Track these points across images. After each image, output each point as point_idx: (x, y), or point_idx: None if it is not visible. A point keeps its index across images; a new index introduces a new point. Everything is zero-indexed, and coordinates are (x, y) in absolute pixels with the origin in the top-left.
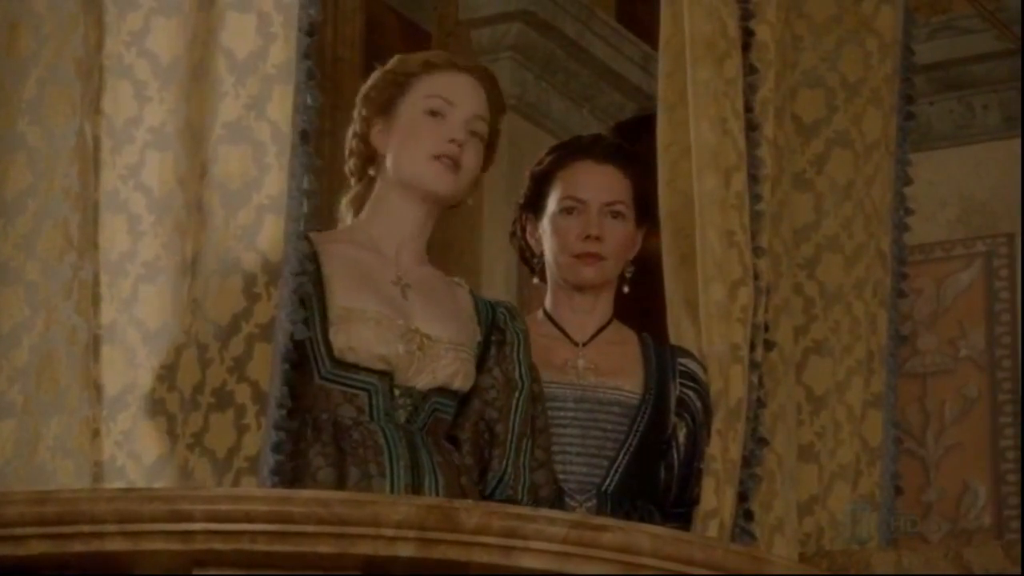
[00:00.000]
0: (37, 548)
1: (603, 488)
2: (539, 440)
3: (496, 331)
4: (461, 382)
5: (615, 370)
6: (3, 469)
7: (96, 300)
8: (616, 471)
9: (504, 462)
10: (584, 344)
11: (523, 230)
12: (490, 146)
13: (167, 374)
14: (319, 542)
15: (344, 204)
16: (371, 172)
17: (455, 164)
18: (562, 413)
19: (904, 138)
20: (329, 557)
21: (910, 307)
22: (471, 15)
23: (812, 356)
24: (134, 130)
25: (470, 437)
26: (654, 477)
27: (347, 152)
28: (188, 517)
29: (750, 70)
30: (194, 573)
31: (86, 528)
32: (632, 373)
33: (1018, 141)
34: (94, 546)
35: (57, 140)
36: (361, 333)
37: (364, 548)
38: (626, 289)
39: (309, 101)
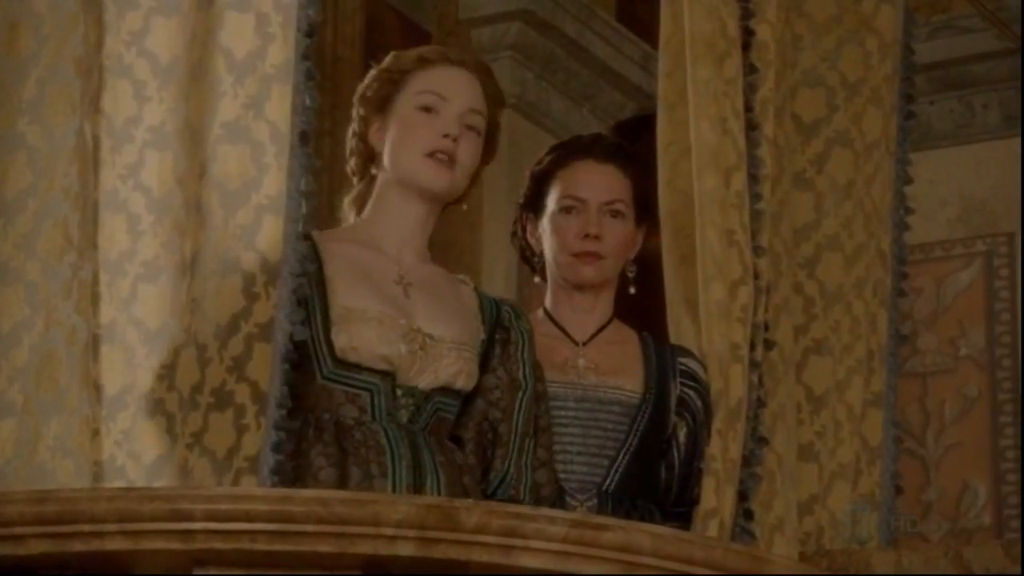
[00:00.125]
0: (37, 547)
1: (604, 487)
2: (541, 439)
3: (500, 330)
4: (464, 382)
5: (615, 369)
6: (3, 468)
7: (95, 300)
8: (617, 470)
9: (507, 462)
10: (584, 343)
11: (523, 229)
12: (489, 139)
13: (166, 374)
14: (319, 541)
15: (346, 204)
16: (373, 171)
17: (450, 160)
18: (563, 412)
19: (904, 137)
20: (329, 556)
21: (910, 306)
22: (471, 14)
23: (812, 355)
24: (133, 130)
25: (474, 437)
26: (655, 476)
27: (348, 152)
28: (188, 516)
29: (750, 69)
30: (194, 572)
31: (86, 527)
32: (632, 372)
33: (1018, 140)
34: (94, 545)
35: (57, 140)
36: (363, 333)
37: (364, 547)
38: (632, 290)
39: (308, 102)
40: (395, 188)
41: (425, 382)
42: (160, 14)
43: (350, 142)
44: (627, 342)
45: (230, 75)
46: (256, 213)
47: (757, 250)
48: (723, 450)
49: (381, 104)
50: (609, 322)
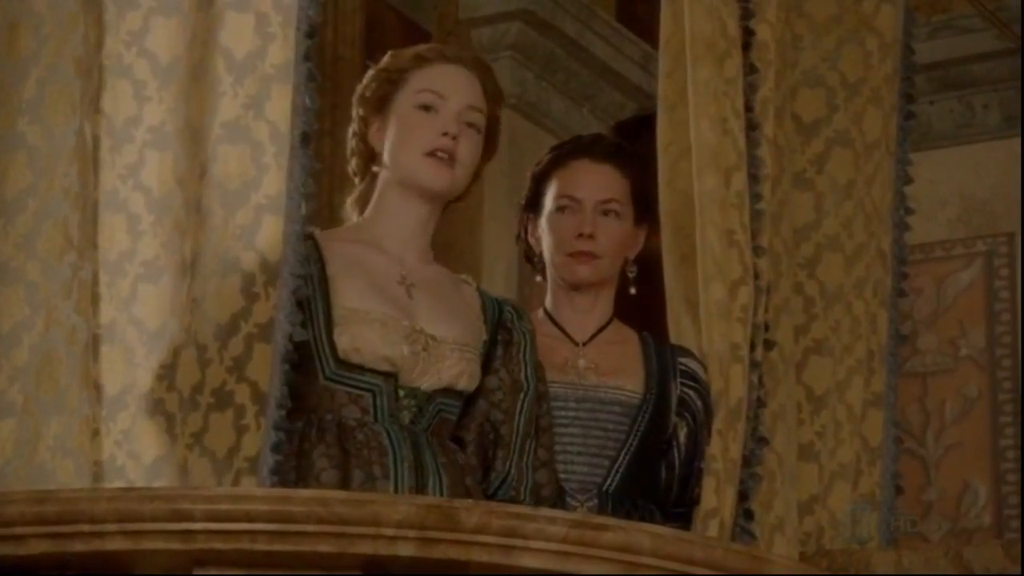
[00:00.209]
0: (37, 547)
1: (604, 488)
2: (542, 439)
3: (503, 330)
4: (466, 383)
5: (616, 370)
6: (3, 469)
7: (95, 300)
8: (617, 471)
9: (507, 463)
10: (584, 344)
11: (526, 231)
12: (490, 136)
13: (166, 374)
14: (319, 541)
15: (348, 204)
16: (374, 171)
17: (450, 158)
18: (563, 413)
19: (904, 137)
20: (329, 556)
21: (910, 306)
22: (471, 14)
23: (812, 355)
24: (133, 130)
25: (475, 438)
26: (655, 477)
27: (348, 152)
28: (188, 516)
29: (750, 69)
30: (194, 573)
31: (86, 527)
32: (633, 373)
33: (1018, 140)
34: (94, 545)
35: (57, 140)
36: (366, 334)
37: (364, 548)
38: (633, 290)
39: (309, 103)
40: (396, 188)
41: (427, 383)
42: (160, 14)
43: (350, 142)
44: (627, 342)
45: (230, 75)
46: (256, 213)
47: (757, 250)
48: (723, 450)
49: (380, 104)
50: (609, 322)
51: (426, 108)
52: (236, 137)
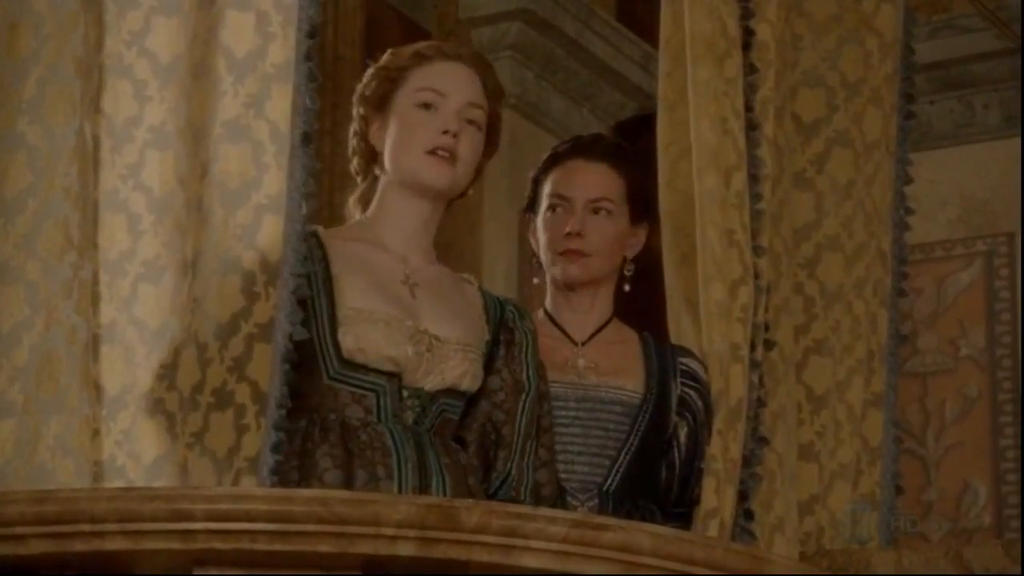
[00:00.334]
0: (37, 547)
1: (605, 487)
2: (543, 439)
3: (505, 330)
4: (469, 383)
5: (616, 369)
6: (3, 468)
7: (96, 299)
8: (618, 470)
9: (508, 464)
10: (583, 343)
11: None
12: (491, 132)
13: (167, 373)
14: (319, 541)
15: (351, 203)
16: (375, 170)
17: (451, 156)
18: (564, 412)
19: (904, 137)
20: (329, 556)
21: (910, 306)
22: (471, 14)
23: (812, 355)
24: (134, 129)
25: (476, 438)
26: (655, 476)
27: (350, 151)
28: (188, 516)
29: (750, 69)
30: (194, 572)
31: (86, 527)
32: (633, 372)
33: (1018, 140)
34: (94, 545)
35: (57, 139)
36: (370, 335)
37: (364, 547)
38: (627, 287)
39: (309, 103)
40: (397, 187)
41: (431, 383)
42: (161, 13)
43: (351, 142)
44: (627, 342)
45: (230, 74)
46: (256, 213)
47: (757, 250)
48: (723, 450)
49: (380, 103)
50: (608, 322)
51: (426, 106)
52: (237, 136)
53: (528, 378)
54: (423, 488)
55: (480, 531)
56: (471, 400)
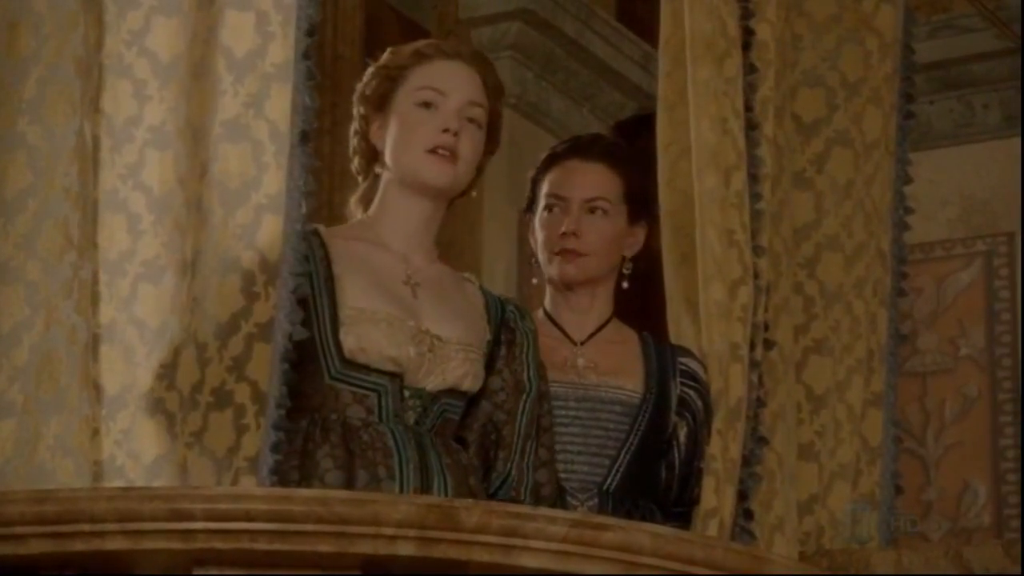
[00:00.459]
0: (37, 547)
1: (604, 487)
2: (543, 439)
3: (506, 330)
4: (470, 383)
5: (615, 369)
6: (3, 468)
7: (95, 299)
8: (617, 470)
9: (508, 464)
10: (582, 343)
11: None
12: (492, 130)
13: (166, 373)
14: (319, 541)
15: (352, 203)
16: (376, 169)
17: (452, 155)
18: (564, 412)
19: (904, 137)
20: (329, 556)
21: (910, 306)
22: (471, 14)
23: (812, 355)
24: (134, 129)
25: (477, 438)
26: (655, 476)
27: (351, 151)
28: (188, 516)
29: (750, 69)
30: (194, 572)
31: (86, 527)
32: (633, 372)
33: (1018, 140)
34: (94, 545)
35: (57, 139)
36: (372, 335)
37: (364, 547)
38: (625, 285)
39: (308, 102)
40: (398, 186)
41: (432, 384)
42: (160, 13)
43: (352, 141)
44: (627, 342)
45: (230, 74)
46: (256, 212)
47: (757, 250)
48: (723, 450)
49: (380, 102)
50: (608, 322)
51: (426, 105)
52: (236, 136)
53: (529, 378)
54: (425, 489)
55: (480, 531)
56: (472, 400)
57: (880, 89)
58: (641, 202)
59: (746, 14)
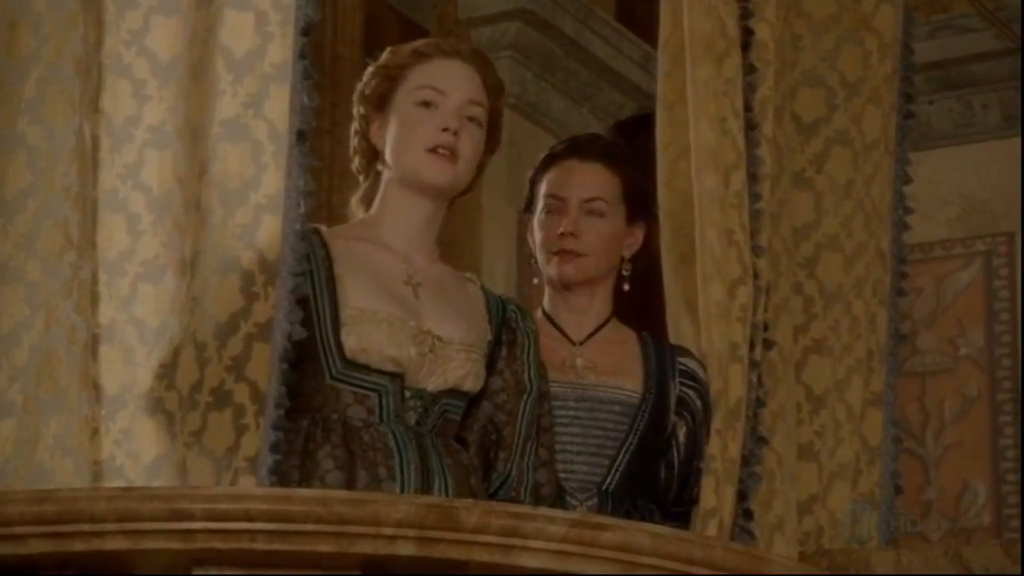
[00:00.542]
0: (37, 547)
1: (604, 487)
2: (543, 439)
3: (507, 330)
4: (471, 384)
5: (614, 369)
6: (3, 468)
7: (95, 299)
8: (617, 470)
9: (509, 464)
10: (581, 343)
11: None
12: (492, 129)
13: (166, 373)
14: (319, 541)
15: (354, 203)
16: (377, 169)
17: (452, 154)
18: (563, 412)
19: (904, 137)
20: (329, 556)
21: (910, 306)
22: (470, 14)
23: (812, 355)
24: (133, 129)
25: (478, 439)
26: (654, 476)
27: (351, 151)
28: (188, 516)
29: (749, 69)
30: (194, 572)
31: (86, 527)
32: (632, 372)
33: (1018, 140)
34: (94, 545)
35: (57, 139)
36: (373, 335)
37: (364, 547)
38: (626, 287)
39: (306, 101)
40: (399, 185)
41: (433, 384)
42: (160, 13)
43: (352, 141)
44: (626, 342)
45: (229, 73)
46: (255, 212)
47: (756, 250)
48: (722, 450)
49: (380, 102)
50: (607, 321)
51: (426, 104)
52: (235, 136)
53: (530, 379)
54: (425, 489)
55: (479, 531)
56: (473, 400)
57: (880, 89)
58: (639, 202)
59: (745, 14)
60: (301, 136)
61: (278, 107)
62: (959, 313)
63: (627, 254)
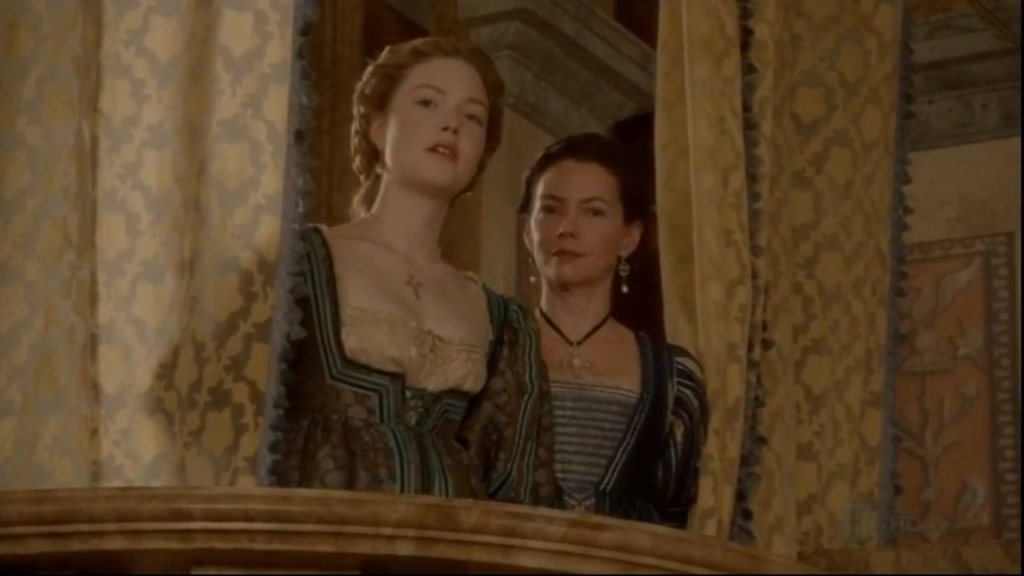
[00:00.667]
0: (36, 547)
1: (601, 487)
2: (543, 439)
3: (509, 330)
4: (472, 384)
5: (612, 369)
6: (2, 468)
7: (94, 299)
8: (614, 470)
9: (509, 465)
10: (579, 343)
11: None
12: (492, 126)
13: (165, 373)
14: (318, 541)
15: (355, 202)
16: (378, 169)
17: (452, 153)
18: (560, 412)
19: (903, 137)
20: (328, 556)
21: (909, 306)
22: (470, 14)
23: (811, 355)
24: (132, 129)
25: (478, 439)
26: (652, 476)
27: (352, 150)
28: (187, 516)
29: (749, 69)
30: (193, 572)
31: (85, 527)
32: (629, 372)
33: (1017, 140)
34: (93, 545)
35: (56, 139)
36: (374, 335)
37: (363, 547)
38: (625, 288)
39: (305, 101)
40: (399, 185)
41: (434, 384)
42: (159, 13)
43: (353, 140)
44: (623, 342)
45: (228, 73)
46: (254, 212)
47: (755, 249)
48: (721, 449)
49: (380, 101)
50: (604, 321)
51: (426, 103)
52: (234, 136)
53: (531, 379)
54: (426, 489)
55: (478, 531)
56: (473, 400)
57: (879, 89)
58: (636, 202)
59: (745, 14)
60: (300, 136)
61: (277, 107)
62: (958, 313)
63: (624, 254)
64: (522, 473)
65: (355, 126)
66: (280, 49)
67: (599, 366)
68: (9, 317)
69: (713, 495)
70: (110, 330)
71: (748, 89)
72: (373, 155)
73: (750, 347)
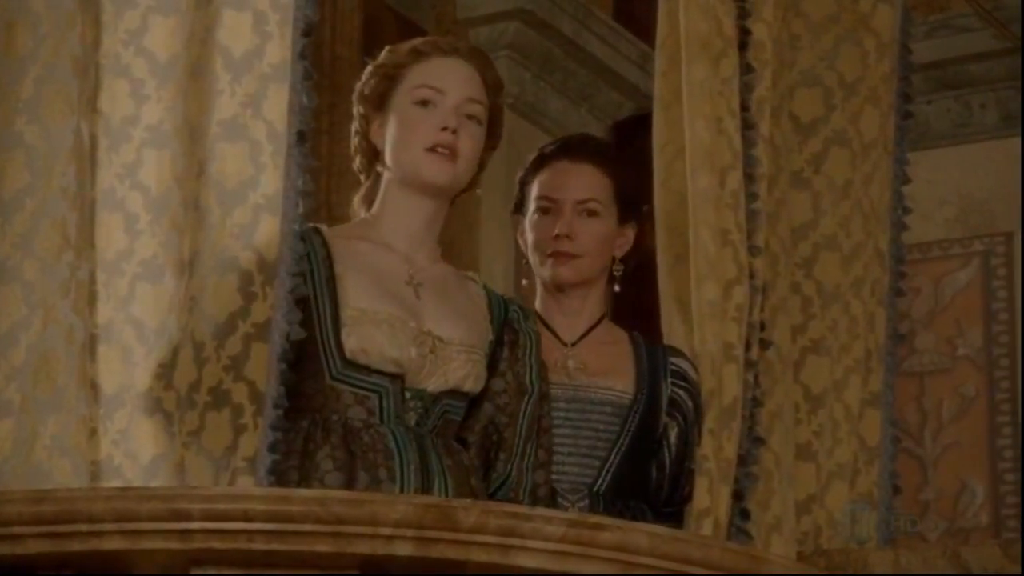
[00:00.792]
0: (35, 547)
1: (595, 488)
2: (542, 440)
3: (509, 330)
4: (472, 384)
5: (606, 370)
6: (1, 468)
7: (93, 299)
8: (608, 471)
9: (509, 465)
10: (573, 344)
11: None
12: (492, 125)
13: (164, 373)
14: (317, 541)
15: (356, 202)
16: (378, 169)
17: (452, 152)
18: (554, 413)
19: (902, 137)
20: (327, 556)
21: (908, 306)
22: (469, 14)
23: (810, 355)
24: (131, 129)
25: (478, 440)
26: (646, 477)
27: (352, 150)
28: (186, 516)
29: (747, 69)
30: (192, 572)
31: (84, 527)
32: (623, 373)
33: (1016, 140)
34: (92, 545)
35: (54, 139)
36: (374, 336)
37: (362, 547)
38: (617, 288)
39: (306, 101)
40: (399, 185)
41: (434, 385)
42: (158, 13)
43: (353, 140)
44: (618, 342)
45: (227, 73)
46: (254, 212)
47: (753, 249)
48: (717, 449)
49: (379, 101)
50: (599, 322)
51: (425, 103)
52: (234, 136)
53: (531, 380)
54: (425, 490)
55: (477, 531)
56: (474, 401)
57: (878, 89)
58: (631, 202)
59: (743, 14)
60: (302, 137)
61: (277, 107)
62: (957, 313)
63: (618, 254)
64: (522, 474)
65: (355, 126)
66: (280, 49)
67: (593, 367)
68: (8, 317)
69: (709, 495)
70: (109, 330)
71: (746, 89)
72: (373, 155)
73: (748, 347)
